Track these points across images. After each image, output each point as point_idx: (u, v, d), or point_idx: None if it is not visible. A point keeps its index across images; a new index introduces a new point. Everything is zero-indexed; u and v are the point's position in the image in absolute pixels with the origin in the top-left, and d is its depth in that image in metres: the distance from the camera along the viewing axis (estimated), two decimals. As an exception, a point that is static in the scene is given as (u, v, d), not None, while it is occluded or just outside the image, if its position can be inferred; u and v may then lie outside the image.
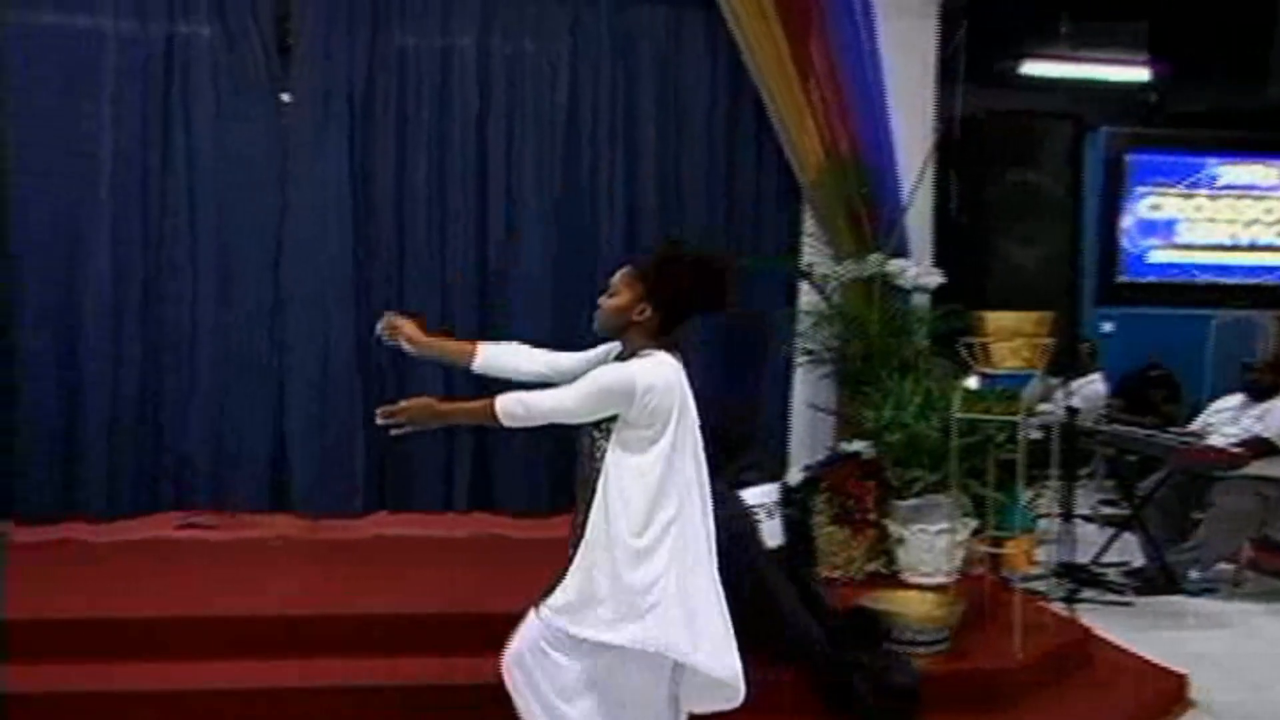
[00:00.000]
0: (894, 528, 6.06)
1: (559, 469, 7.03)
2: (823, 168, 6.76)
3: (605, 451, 3.60)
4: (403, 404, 3.73)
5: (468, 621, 5.26)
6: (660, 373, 3.58)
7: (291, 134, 6.82)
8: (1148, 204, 11.11)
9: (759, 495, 5.25)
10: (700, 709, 3.73)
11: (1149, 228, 11.14)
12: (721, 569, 4.86)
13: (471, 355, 3.98)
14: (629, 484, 3.56)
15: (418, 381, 6.98)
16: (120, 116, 6.64)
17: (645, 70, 7.12)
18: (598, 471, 3.60)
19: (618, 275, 3.77)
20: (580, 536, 3.62)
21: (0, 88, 6.51)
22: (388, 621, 5.33)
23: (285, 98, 6.80)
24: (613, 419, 3.58)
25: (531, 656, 3.66)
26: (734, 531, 5.06)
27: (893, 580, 6.00)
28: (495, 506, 7.04)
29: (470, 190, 6.94)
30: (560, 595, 3.63)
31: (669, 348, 3.67)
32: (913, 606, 5.32)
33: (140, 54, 6.65)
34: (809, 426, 6.86)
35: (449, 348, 4.10)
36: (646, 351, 3.64)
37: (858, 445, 6.30)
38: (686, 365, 3.69)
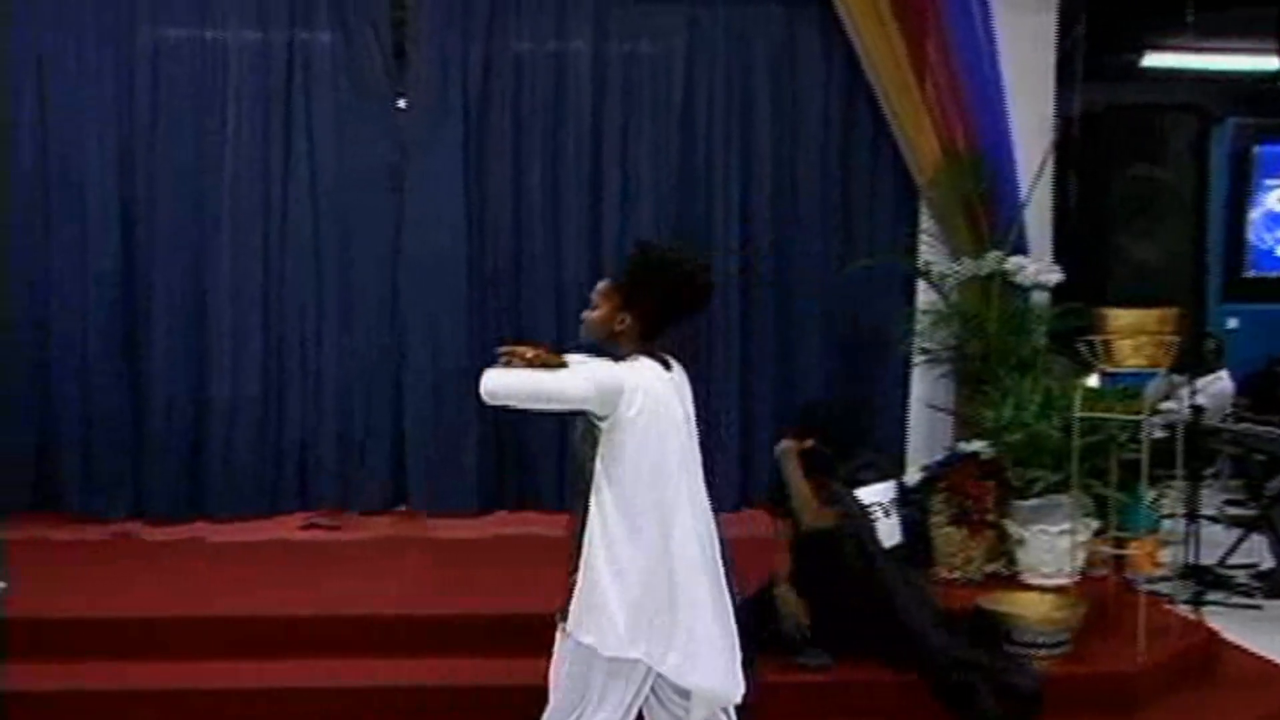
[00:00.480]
0: (1014, 528, 6.02)
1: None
2: (940, 165, 6.74)
3: (593, 459, 3.61)
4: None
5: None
6: (644, 378, 3.61)
7: (408, 139, 6.96)
8: (1276, 196, 10.86)
9: (875, 494, 5.25)
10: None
11: (1277, 221, 10.89)
12: (830, 568, 4.88)
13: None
14: (610, 494, 3.57)
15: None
16: (243, 123, 6.87)
17: (760, 70, 7.16)
18: (587, 481, 3.62)
19: (598, 287, 3.82)
20: (578, 544, 3.62)
21: (133, 100, 6.74)
22: (505, 621, 5.40)
23: (401, 103, 6.92)
24: (597, 429, 3.61)
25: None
26: (848, 531, 5.08)
27: (1012, 581, 5.97)
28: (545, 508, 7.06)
29: (584, 192, 7.03)
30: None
31: (654, 354, 3.70)
32: (1033, 608, 5.28)
33: (263, 62, 6.87)
34: (926, 426, 6.84)
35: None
36: (633, 358, 3.67)
37: (976, 445, 6.27)
38: (686, 368, 3.77)
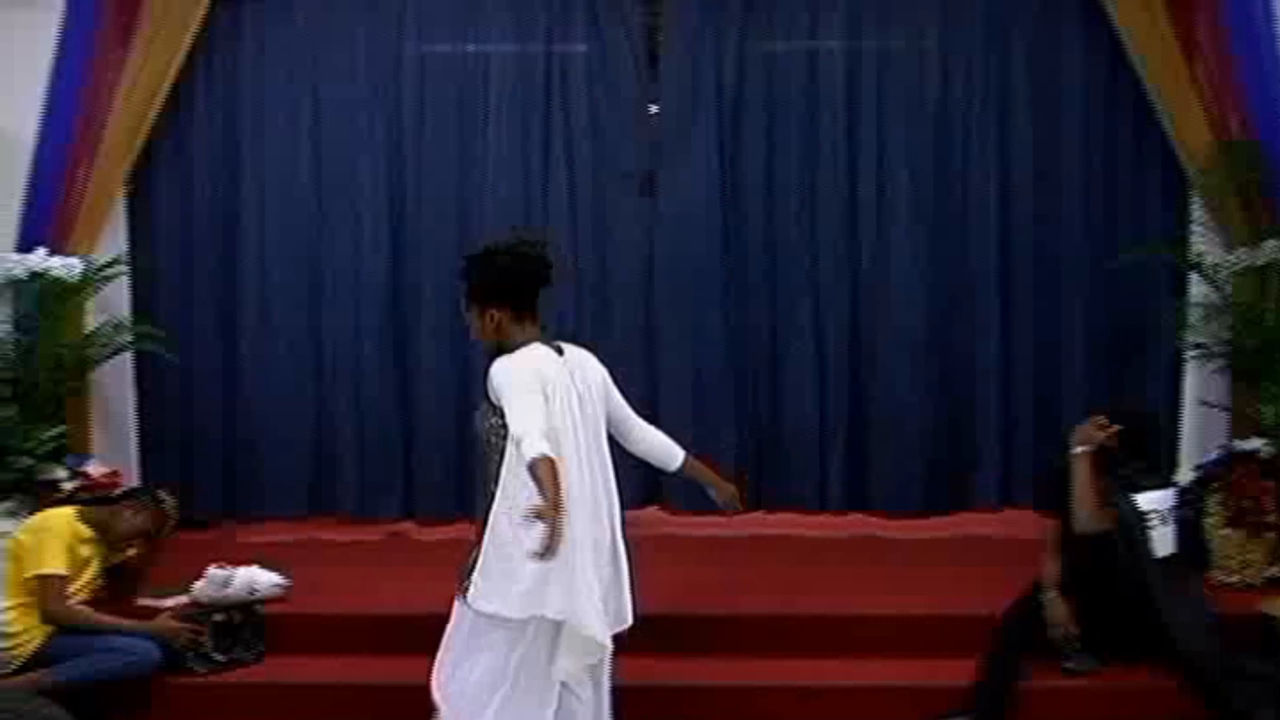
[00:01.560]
0: (1296, 530, 5.79)
1: (934, 469, 7.04)
2: (1212, 151, 6.51)
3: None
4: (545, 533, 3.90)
5: (839, 624, 5.36)
6: (534, 362, 4.06)
7: (661, 143, 7.11)
8: None
9: (1154, 501, 5.09)
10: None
11: None
12: (1103, 571, 4.80)
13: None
14: (506, 469, 4.01)
15: (790, 380, 7.11)
16: (503, 132, 7.14)
17: (1017, 60, 7.08)
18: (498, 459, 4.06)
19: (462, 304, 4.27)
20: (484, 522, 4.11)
21: (400, 112, 7.12)
22: (761, 621, 5.49)
23: (653, 109, 7.04)
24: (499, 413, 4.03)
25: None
26: (1123, 535, 4.96)
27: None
28: (870, 506, 7.07)
29: (840, 191, 7.07)
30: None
31: (539, 337, 4.20)
32: (1319, 614, 5.08)
33: (521, 74, 7.13)
34: (1200, 424, 6.63)
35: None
36: (524, 347, 4.14)
37: (1254, 443, 6.06)
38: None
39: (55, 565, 5.16)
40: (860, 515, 7.11)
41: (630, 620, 4.27)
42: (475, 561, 4.10)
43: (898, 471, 7.06)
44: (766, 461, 7.15)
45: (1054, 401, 6.99)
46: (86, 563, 5.33)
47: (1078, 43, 7.00)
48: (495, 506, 4.07)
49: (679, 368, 7.12)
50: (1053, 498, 5.21)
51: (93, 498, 5.55)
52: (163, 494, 5.66)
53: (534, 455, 3.80)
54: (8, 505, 5.98)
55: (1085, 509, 5.01)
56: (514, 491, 4.00)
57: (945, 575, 6.11)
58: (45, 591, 5.15)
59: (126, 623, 5.26)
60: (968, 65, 7.06)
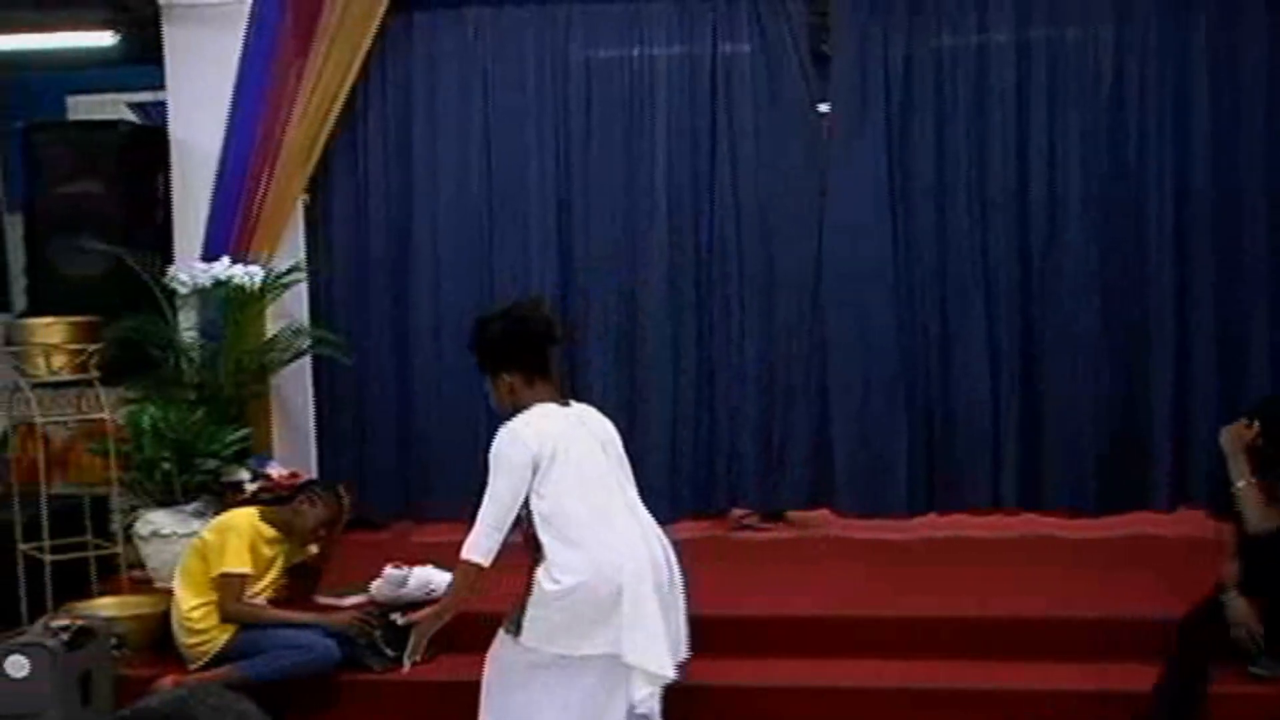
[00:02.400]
0: None
1: (1110, 467, 6.89)
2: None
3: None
4: (415, 641, 4.49)
5: (1012, 626, 5.31)
6: (536, 424, 4.24)
7: (829, 143, 7.10)
8: None
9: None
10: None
11: None
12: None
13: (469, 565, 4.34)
14: (548, 521, 4.19)
15: (961, 380, 7.04)
16: (670, 135, 7.19)
17: (1196, 49, 6.89)
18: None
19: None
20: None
21: (567, 117, 7.21)
22: (932, 623, 5.46)
23: (822, 108, 7.03)
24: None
25: None
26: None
27: None
28: (1043, 507, 6.96)
29: (1011, 187, 6.98)
30: None
31: (552, 397, 4.36)
32: None
33: (687, 76, 7.18)
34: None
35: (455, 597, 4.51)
36: (528, 409, 4.30)
37: None
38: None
39: (237, 564, 5.36)
40: (1033, 515, 7.01)
41: (686, 654, 4.39)
42: (524, 606, 4.25)
43: (1071, 471, 6.94)
44: (938, 462, 7.08)
45: (1234, 398, 6.76)
46: (271, 562, 5.53)
47: (1261, 26, 6.81)
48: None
49: (848, 369, 7.10)
50: (1226, 499, 5.08)
51: (272, 498, 5.72)
52: (337, 485, 5.84)
53: (465, 555, 4.17)
54: (195, 506, 6.22)
55: (1252, 509, 4.88)
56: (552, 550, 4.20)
57: (1120, 577, 6.00)
58: (224, 590, 5.35)
59: (300, 616, 5.44)
60: (1142, 53, 6.90)
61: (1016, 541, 6.82)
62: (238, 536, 5.40)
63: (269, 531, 5.50)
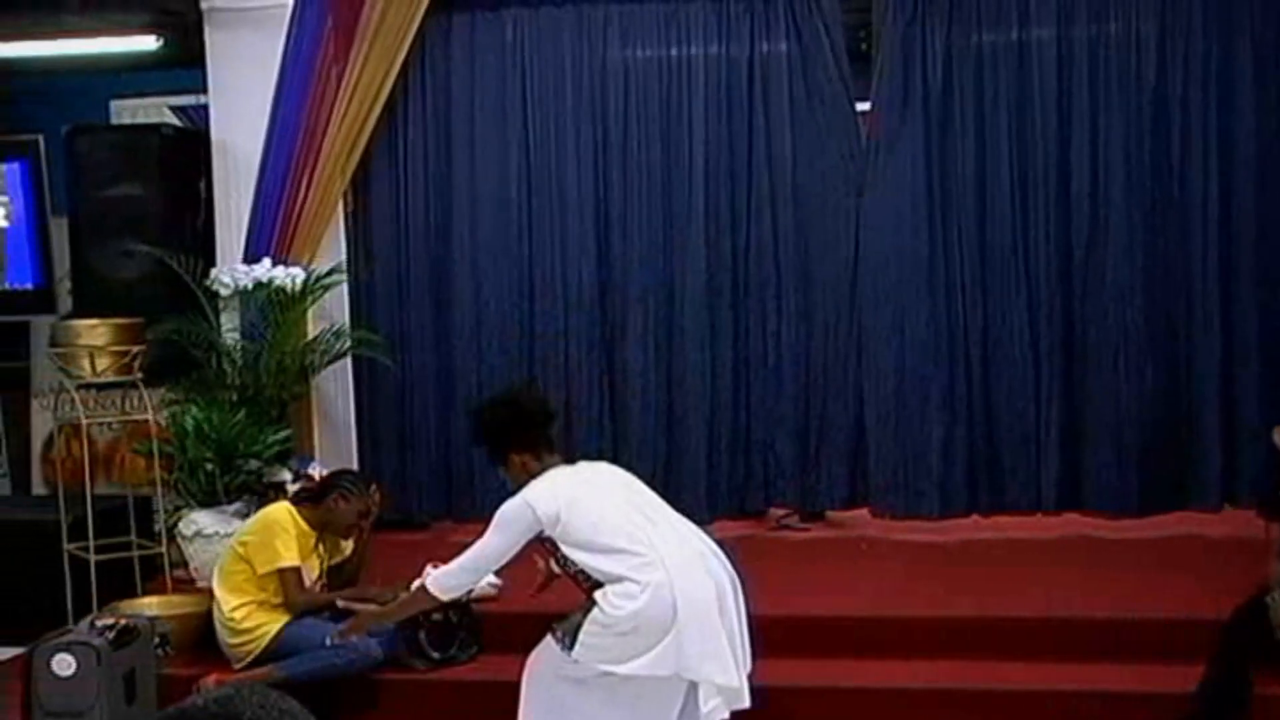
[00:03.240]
0: None
1: (1154, 466, 6.85)
2: None
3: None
4: (348, 623, 4.97)
5: (1053, 627, 5.29)
6: (542, 486, 4.46)
7: (869, 141, 7.09)
8: None
9: None
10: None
11: None
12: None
13: (423, 592, 4.73)
14: (591, 567, 4.39)
15: (1001, 378, 7.00)
16: (708, 135, 7.20)
17: (1241, 41, 6.83)
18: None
19: None
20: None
21: (606, 117, 7.23)
22: (981, 625, 5.44)
23: (861, 106, 7.02)
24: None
25: None
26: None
27: None
28: (1085, 507, 6.92)
29: (1052, 184, 6.94)
30: None
31: (553, 464, 4.62)
32: None
33: (725, 75, 7.18)
34: None
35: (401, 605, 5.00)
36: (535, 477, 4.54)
37: None
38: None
39: (290, 558, 5.41)
40: (1075, 515, 6.97)
41: (749, 662, 4.49)
42: (582, 624, 4.36)
43: (1114, 471, 6.89)
44: (978, 462, 7.05)
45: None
46: (311, 557, 5.57)
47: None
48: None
49: (886, 368, 7.08)
50: (1274, 499, 5.04)
51: (306, 495, 5.73)
52: (367, 479, 5.88)
53: (430, 586, 4.54)
54: (237, 506, 6.28)
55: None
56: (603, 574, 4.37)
57: (1164, 577, 5.97)
58: (285, 584, 5.41)
59: (360, 603, 5.43)
60: (1186, 48, 6.85)
61: (1058, 542, 6.78)
62: (284, 530, 5.45)
63: (305, 528, 5.54)
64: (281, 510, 5.58)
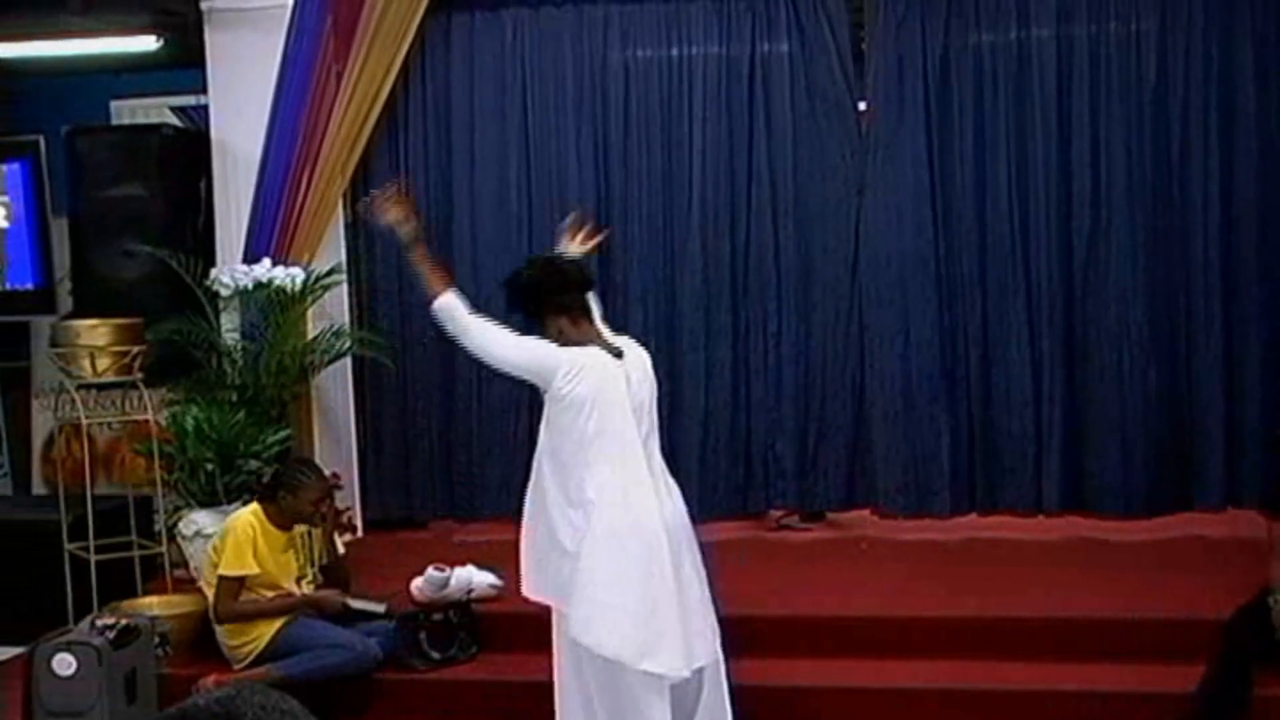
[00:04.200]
0: None
1: (1157, 467, 6.84)
2: None
3: None
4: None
5: (1055, 627, 5.29)
6: (582, 360, 4.31)
7: (867, 140, 7.09)
8: None
9: None
10: None
11: None
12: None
13: (439, 293, 4.53)
14: (547, 459, 4.38)
15: (1003, 378, 6.99)
16: (708, 135, 7.20)
17: (1241, 37, 6.81)
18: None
19: None
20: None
21: (606, 117, 7.25)
22: (983, 625, 5.44)
23: (861, 105, 7.02)
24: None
25: None
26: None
27: None
28: (1087, 508, 6.91)
29: (1053, 184, 6.93)
30: None
31: (599, 340, 4.46)
32: None
33: (726, 75, 7.18)
34: None
35: (427, 270, 4.63)
36: (580, 346, 4.39)
37: None
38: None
39: (231, 567, 5.38)
40: (1077, 517, 6.96)
41: (703, 659, 4.39)
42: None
43: (1116, 471, 6.88)
44: (979, 462, 7.04)
45: (1283, 399, 6.75)
46: (287, 554, 5.53)
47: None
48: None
49: (888, 367, 7.07)
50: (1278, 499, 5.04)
51: (261, 494, 5.68)
52: (309, 461, 5.89)
53: (444, 297, 4.46)
54: (237, 506, 6.25)
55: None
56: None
57: (1165, 578, 5.97)
58: (218, 592, 5.41)
59: (288, 604, 5.43)
60: (1187, 47, 6.83)
61: (1059, 543, 6.77)
62: (234, 538, 5.41)
63: (270, 527, 5.48)
64: (242, 517, 5.52)
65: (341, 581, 5.71)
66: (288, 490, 5.51)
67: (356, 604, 5.54)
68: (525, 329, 4.56)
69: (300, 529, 5.58)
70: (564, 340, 4.41)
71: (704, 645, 4.39)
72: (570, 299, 4.48)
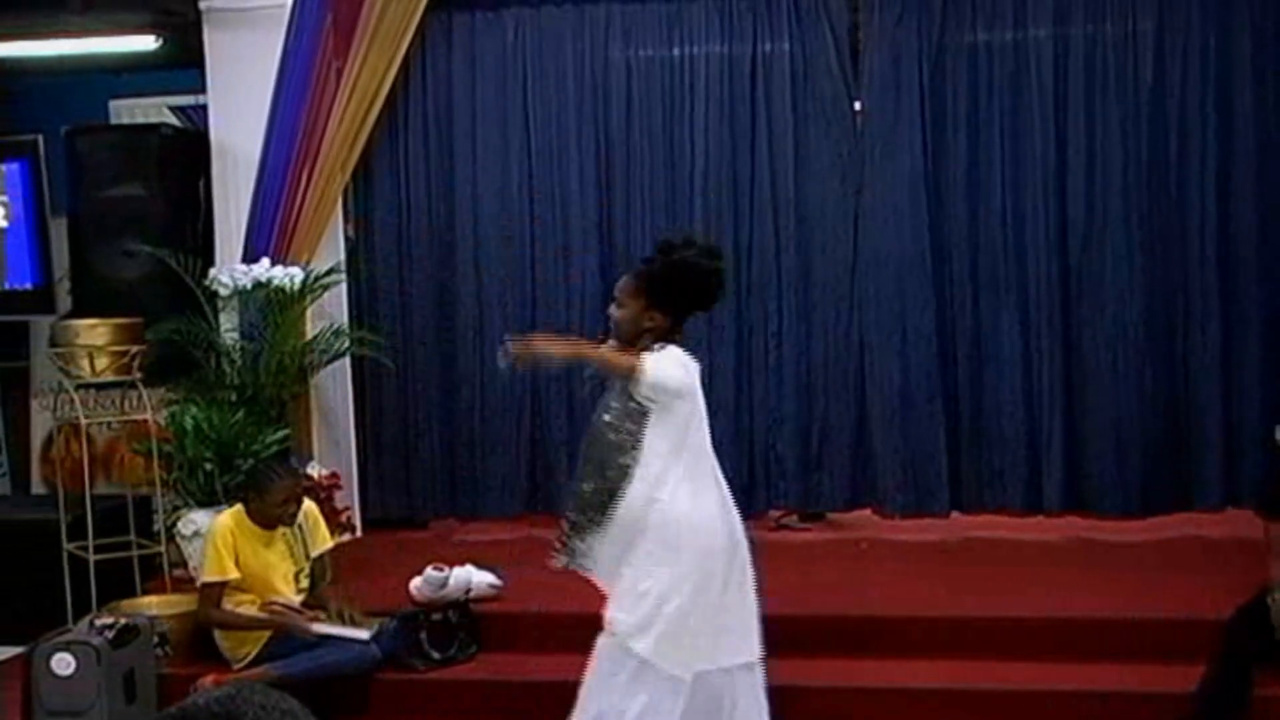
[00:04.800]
0: None
1: (1153, 468, 6.84)
2: None
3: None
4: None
5: (1054, 627, 5.30)
6: (684, 368, 4.17)
7: (864, 139, 7.10)
8: None
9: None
10: None
11: None
12: None
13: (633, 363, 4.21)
14: (655, 469, 4.17)
15: (999, 379, 6.99)
16: (710, 134, 7.20)
17: (1240, 37, 6.81)
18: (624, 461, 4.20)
19: (620, 284, 4.34)
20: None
21: (608, 116, 7.27)
22: (974, 623, 5.44)
23: (857, 105, 7.02)
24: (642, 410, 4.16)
25: None
26: None
27: None
28: (1086, 508, 6.91)
29: (1050, 182, 6.94)
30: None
31: (679, 344, 4.23)
32: None
33: (728, 75, 7.18)
34: None
35: (607, 355, 4.37)
36: (660, 347, 4.18)
37: None
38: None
39: (211, 573, 5.36)
40: (1076, 517, 6.96)
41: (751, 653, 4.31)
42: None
43: (1115, 471, 6.88)
44: (977, 463, 7.03)
45: (1281, 397, 6.75)
46: (273, 556, 5.46)
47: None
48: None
49: (886, 365, 7.07)
50: (1276, 499, 5.03)
51: (238, 497, 5.64)
52: (281, 461, 5.84)
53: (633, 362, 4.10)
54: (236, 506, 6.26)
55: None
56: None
57: (1165, 578, 5.97)
58: (199, 599, 5.41)
59: (258, 618, 5.38)
60: (1184, 48, 6.83)
61: (1059, 543, 6.77)
62: (213, 544, 5.38)
63: (257, 530, 5.43)
64: (220, 520, 5.49)
65: (321, 601, 5.54)
66: (255, 490, 5.46)
67: (333, 630, 5.31)
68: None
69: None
70: (652, 337, 4.23)
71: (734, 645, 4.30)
72: (691, 311, 4.35)
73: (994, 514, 7.02)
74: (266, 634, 5.32)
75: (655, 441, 4.16)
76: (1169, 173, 6.86)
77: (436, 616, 5.51)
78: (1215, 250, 6.81)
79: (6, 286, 7.78)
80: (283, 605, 5.40)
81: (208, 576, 5.38)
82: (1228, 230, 6.81)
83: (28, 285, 7.49)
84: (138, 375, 6.33)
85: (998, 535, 6.90)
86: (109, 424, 7.31)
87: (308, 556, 5.56)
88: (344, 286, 7.08)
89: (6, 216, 7.70)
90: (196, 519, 6.18)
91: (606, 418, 4.27)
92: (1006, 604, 5.66)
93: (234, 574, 5.34)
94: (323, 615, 5.39)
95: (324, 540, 5.66)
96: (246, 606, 5.40)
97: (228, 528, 5.40)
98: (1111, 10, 6.90)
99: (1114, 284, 6.86)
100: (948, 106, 7.03)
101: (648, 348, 4.18)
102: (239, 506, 5.52)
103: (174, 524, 6.31)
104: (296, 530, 5.53)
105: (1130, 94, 6.88)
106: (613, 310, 4.30)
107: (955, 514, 7.03)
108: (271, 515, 5.44)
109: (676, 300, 4.22)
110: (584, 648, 5.41)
